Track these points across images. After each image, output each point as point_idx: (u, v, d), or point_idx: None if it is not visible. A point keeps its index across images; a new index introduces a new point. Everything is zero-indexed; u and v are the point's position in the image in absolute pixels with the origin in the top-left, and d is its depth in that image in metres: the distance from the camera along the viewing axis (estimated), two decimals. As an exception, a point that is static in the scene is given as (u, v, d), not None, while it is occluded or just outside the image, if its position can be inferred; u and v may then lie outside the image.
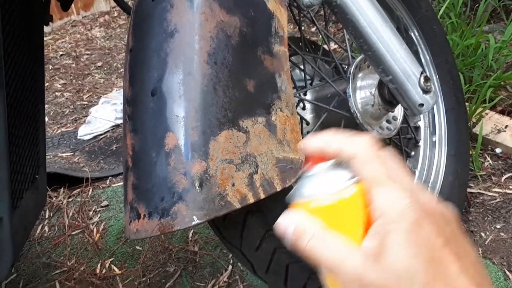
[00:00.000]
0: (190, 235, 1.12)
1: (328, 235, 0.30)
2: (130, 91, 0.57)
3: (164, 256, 1.07)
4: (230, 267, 1.01)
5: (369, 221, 0.29)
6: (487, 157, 1.16)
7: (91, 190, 1.35)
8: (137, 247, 1.11)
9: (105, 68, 2.44)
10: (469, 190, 1.07)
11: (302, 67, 0.88)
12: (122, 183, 1.39)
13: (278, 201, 0.60)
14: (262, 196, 0.53)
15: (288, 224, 0.32)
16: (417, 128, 1.02)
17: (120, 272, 1.05)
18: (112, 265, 1.07)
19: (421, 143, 1.00)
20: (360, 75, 0.82)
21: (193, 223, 0.50)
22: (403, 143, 0.97)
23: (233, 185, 0.52)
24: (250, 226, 0.59)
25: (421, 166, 0.99)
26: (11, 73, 0.66)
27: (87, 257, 1.11)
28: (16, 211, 0.70)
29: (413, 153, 1.00)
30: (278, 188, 0.55)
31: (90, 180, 1.37)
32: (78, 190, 1.36)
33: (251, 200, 0.52)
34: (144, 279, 1.02)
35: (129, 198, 0.55)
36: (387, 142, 0.95)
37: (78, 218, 1.24)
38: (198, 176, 0.51)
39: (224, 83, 0.54)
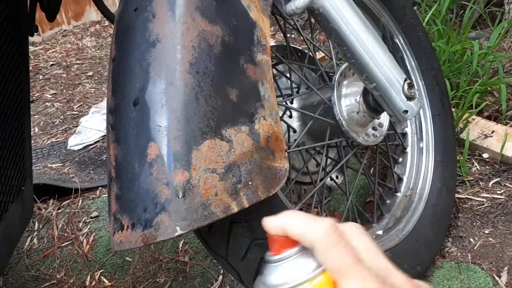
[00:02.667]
0: (180, 245, 1.11)
1: None
2: (112, 101, 0.57)
3: (154, 266, 1.06)
4: (221, 277, 1.00)
5: None
6: (474, 162, 1.17)
7: (81, 201, 1.34)
8: (127, 258, 1.10)
9: (96, 78, 2.43)
10: (457, 195, 1.08)
11: (288, 75, 0.88)
12: (112, 193, 1.39)
13: (263, 210, 0.60)
14: (246, 205, 0.53)
15: None
16: (404, 135, 1.02)
17: (110, 283, 1.04)
18: (102, 277, 1.06)
19: (408, 150, 1.01)
20: (345, 82, 0.82)
21: (176, 233, 0.50)
22: (391, 149, 0.98)
23: (216, 194, 0.52)
24: (236, 235, 0.59)
25: (408, 173, 0.99)
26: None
27: (77, 269, 1.10)
28: (0, 223, 0.69)
29: (400, 159, 1.01)
30: (262, 197, 0.55)
31: (80, 190, 1.36)
32: (67, 201, 1.35)
33: (235, 209, 0.52)
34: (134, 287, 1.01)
35: (113, 209, 0.55)
36: (374, 149, 0.96)
37: (67, 230, 1.23)
38: (181, 186, 0.51)
39: (206, 92, 0.54)
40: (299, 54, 0.95)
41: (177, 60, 0.54)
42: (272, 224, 0.31)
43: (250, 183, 0.54)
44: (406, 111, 0.74)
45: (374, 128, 0.84)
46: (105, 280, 1.06)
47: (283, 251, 0.31)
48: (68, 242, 1.19)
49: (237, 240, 0.59)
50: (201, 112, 0.53)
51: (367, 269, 0.27)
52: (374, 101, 0.77)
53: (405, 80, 0.74)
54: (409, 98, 0.74)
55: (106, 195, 1.36)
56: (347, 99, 0.80)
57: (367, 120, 0.81)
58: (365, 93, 0.78)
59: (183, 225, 0.50)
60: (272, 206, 0.61)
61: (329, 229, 0.29)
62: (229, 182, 0.52)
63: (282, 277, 0.30)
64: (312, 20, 1.00)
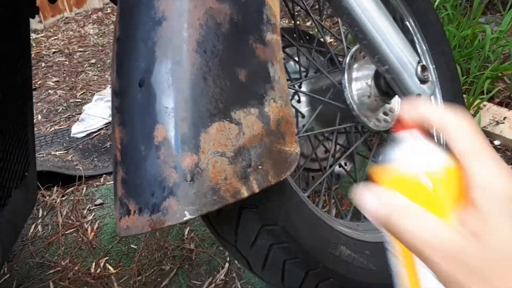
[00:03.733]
0: (186, 232, 1.10)
1: (420, 210, 0.28)
2: (117, 82, 0.55)
3: (159, 254, 1.05)
4: (227, 264, 0.99)
5: (462, 195, 0.28)
6: (485, 148, 1.15)
7: (85, 188, 1.33)
8: (132, 246, 1.09)
9: (99, 65, 2.41)
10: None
11: (296, 58, 0.86)
12: (116, 180, 1.38)
13: (272, 196, 0.59)
14: (256, 190, 0.51)
15: (372, 197, 0.30)
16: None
17: (115, 271, 1.03)
18: (107, 264, 1.05)
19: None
20: (355, 66, 0.80)
21: (185, 218, 0.48)
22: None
23: (225, 178, 0.50)
24: (245, 221, 0.57)
25: (419, 159, 0.97)
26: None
27: (82, 256, 1.09)
28: (4, 209, 0.68)
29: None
30: (273, 182, 0.53)
31: (84, 178, 1.35)
32: (71, 188, 1.34)
33: (245, 194, 0.50)
34: (140, 278, 1.00)
35: (119, 194, 0.53)
36: (384, 134, 0.93)
37: (72, 217, 1.22)
38: (189, 170, 0.49)
39: (214, 72, 0.52)
40: (307, 37, 0.93)
41: (184, 38, 0.52)
42: (410, 108, 0.32)
43: (260, 167, 0.52)
44: (419, 95, 0.72)
45: (385, 113, 0.82)
46: (110, 267, 1.05)
47: (410, 132, 0.31)
48: (73, 230, 1.18)
49: (246, 226, 0.58)
50: (209, 93, 0.51)
51: (494, 157, 0.27)
52: (386, 84, 0.75)
53: (419, 63, 0.71)
54: (423, 81, 0.71)
55: (111, 182, 1.35)
56: (358, 83, 0.78)
57: (378, 104, 0.78)
58: (377, 76, 0.76)
59: (192, 210, 0.48)
60: (282, 191, 0.60)
61: (463, 115, 0.30)
62: (238, 166, 0.51)
63: (407, 155, 0.30)
64: (321, 3, 0.97)
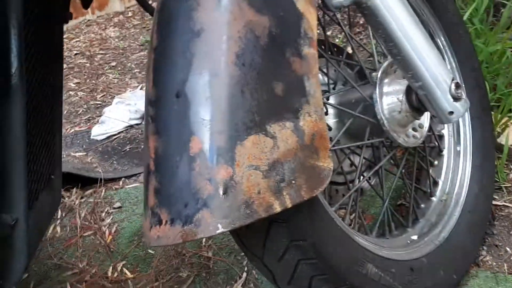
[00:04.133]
0: (204, 240, 1.10)
1: None
2: (153, 92, 0.55)
3: (177, 261, 1.04)
4: (245, 274, 0.98)
5: None
6: (512, 168, 1.12)
7: (104, 191, 1.34)
8: (150, 251, 1.09)
9: (119, 68, 2.43)
10: (493, 202, 1.03)
11: (325, 70, 0.85)
12: (135, 184, 1.38)
13: (302, 210, 0.58)
14: (289, 205, 0.50)
15: None
16: (441, 137, 0.98)
17: (132, 276, 1.03)
18: (124, 269, 1.05)
19: (445, 152, 0.97)
20: (386, 80, 0.79)
21: (218, 231, 0.48)
22: (427, 151, 0.94)
23: (259, 192, 0.49)
24: (274, 235, 0.57)
25: (444, 177, 0.95)
26: (31, 71, 0.64)
27: (99, 259, 1.09)
28: (31, 212, 0.68)
29: (436, 162, 0.97)
30: (306, 197, 0.52)
31: (103, 181, 1.36)
32: (90, 190, 1.35)
33: (278, 209, 0.49)
34: (157, 284, 0.99)
35: (150, 203, 0.53)
36: (411, 150, 0.92)
37: (90, 220, 1.23)
38: (224, 183, 0.49)
39: (252, 85, 0.52)
40: (335, 49, 0.92)
41: (223, 51, 0.52)
42: None
43: (293, 182, 0.52)
44: (451, 112, 0.71)
45: (414, 129, 0.81)
46: (127, 272, 1.05)
47: None
48: (91, 232, 1.19)
49: (275, 240, 0.57)
50: (246, 106, 0.51)
51: None
52: (418, 100, 0.74)
53: (453, 80, 0.70)
54: (456, 99, 0.70)
55: (129, 186, 1.36)
56: (389, 98, 0.77)
57: (409, 120, 0.77)
58: (409, 91, 0.75)
59: (225, 223, 0.48)
60: (312, 206, 0.59)
61: None
62: (272, 180, 0.50)
63: None
64: (352, 14, 0.96)
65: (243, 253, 1.00)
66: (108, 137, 1.67)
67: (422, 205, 0.91)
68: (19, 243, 0.61)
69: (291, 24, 0.56)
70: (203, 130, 0.50)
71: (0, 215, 0.60)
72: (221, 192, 0.48)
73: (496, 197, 1.06)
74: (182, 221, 0.49)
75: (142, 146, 1.64)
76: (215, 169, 0.49)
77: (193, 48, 0.52)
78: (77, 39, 2.88)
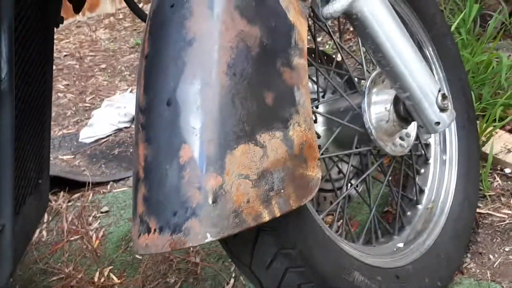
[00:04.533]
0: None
1: None
2: (144, 99, 0.56)
3: (164, 266, 1.04)
4: (232, 280, 0.98)
5: None
6: (496, 177, 1.14)
7: (91, 195, 1.33)
8: (137, 256, 1.08)
9: (109, 71, 2.42)
10: (477, 210, 1.05)
11: (314, 79, 0.86)
12: (123, 189, 1.37)
13: (290, 219, 0.59)
14: (278, 214, 0.51)
15: None
16: (428, 145, 1.00)
17: (119, 281, 1.02)
18: (111, 274, 1.05)
19: (431, 161, 0.98)
20: (375, 89, 0.80)
21: (206, 240, 0.48)
22: (413, 160, 0.96)
23: (248, 201, 0.50)
24: (262, 244, 0.57)
25: (430, 184, 0.97)
26: (21, 75, 0.64)
27: (86, 264, 1.09)
28: (18, 217, 0.67)
29: (422, 170, 0.98)
30: (294, 206, 0.53)
31: (91, 184, 1.35)
32: (78, 194, 1.34)
33: (266, 218, 0.50)
34: (144, 286, 0.99)
35: (139, 211, 0.53)
36: (398, 158, 0.93)
37: (77, 224, 1.22)
38: (213, 191, 0.49)
39: (242, 95, 0.52)
40: (325, 57, 0.93)
41: (214, 60, 0.52)
42: None
43: (282, 191, 0.52)
44: (438, 123, 0.72)
45: (401, 138, 0.82)
46: (114, 277, 1.04)
47: None
48: (78, 236, 1.18)
49: (263, 249, 0.57)
50: (236, 115, 0.52)
51: None
52: (406, 110, 0.75)
53: (439, 91, 0.72)
54: (442, 109, 0.72)
55: (117, 190, 1.35)
56: (377, 107, 0.78)
57: (396, 129, 0.79)
58: (396, 101, 0.76)
59: (214, 232, 0.48)
60: (300, 215, 0.59)
61: None
62: (261, 189, 0.51)
63: None
64: (342, 24, 0.98)
65: (231, 259, 1.01)
66: (96, 140, 1.66)
67: (408, 213, 0.92)
68: (5, 249, 0.61)
69: (282, 34, 0.57)
70: (193, 139, 0.50)
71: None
72: (210, 201, 0.49)
73: (481, 205, 1.08)
74: (171, 229, 0.49)
75: (131, 150, 1.63)
76: (204, 177, 0.49)
77: (185, 57, 0.53)
78: (67, 40, 2.85)
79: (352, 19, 0.67)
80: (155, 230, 0.50)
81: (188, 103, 0.51)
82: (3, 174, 0.60)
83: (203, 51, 0.52)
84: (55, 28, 0.77)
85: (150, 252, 0.50)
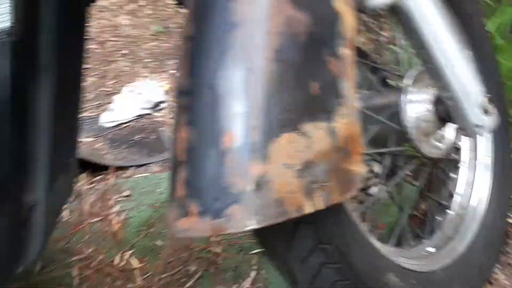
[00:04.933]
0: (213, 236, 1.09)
1: None
2: (187, 81, 0.55)
3: (185, 254, 1.04)
4: (254, 273, 0.98)
5: None
6: (526, 185, 1.11)
7: (113, 178, 1.33)
8: (158, 243, 1.08)
9: (130, 57, 2.42)
10: (508, 219, 1.03)
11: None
12: (145, 174, 1.37)
13: (332, 214, 0.57)
14: (321, 207, 0.50)
15: None
16: (460, 150, 0.98)
17: (139, 265, 1.02)
18: (131, 258, 1.05)
19: (463, 166, 0.96)
20: (414, 87, 0.78)
21: (247, 228, 0.47)
22: (445, 164, 0.93)
23: (291, 192, 0.49)
24: (300, 237, 0.56)
25: (461, 190, 0.95)
26: (60, 54, 0.63)
27: (106, 247, 1.09)
28: (50, 194, 0.67)
29: (454, 175, 0.96)
30: (337, 200, 0.52)
31: (112, 168, 1.35)
32: (99, 177, 1.34)
33: (309, 210, 0.49)
34: (165, 276, 0.99)
35: (178, 194, 0.52)
36: (431, 161, 0.91)
37: (98, 206, 1.22)
38: (256, 179, 0.48)
39: (289, 83, 0.51)
40: (362, 52, 0.91)
41: (261, 45, 0.51)
42: None
43: (325, 184, 0.51)
44: (480, 126, 0.70)
45: (437, 140, 0.80)
46: (134, 261, 1.04)
47: None
48: (98, 219, 1.18)
49: (300, 242, 0.56)
50: (281, 103, 0.50)
51: None
52: (446, 111, 0.73)
53: (484, 94, 0.69)
54: (485, 112, 0.70)
55: (138, 175, 1.35)
56: (416, 105, 0.76)
57: (433, 130, 0.77)
58: (437, 101, 0.74)
59: (255, 220, 0.47)
60: (340, 210, 0.58)
61: None
62: (305, 180, 0.50)
63: None
64: (382, 17, 0.96)
65: (252, 252, 1.00)
66: (117, 125, 1.66)
67: (439, 218, 0.90)
68: (38, 224, 0.61)
69: (328, 22, 0.56)
70: (237, 125, 0.49)
71: (22, 194, 0.59)
72: (253, 189, 0.48)
73: (510, 214, 1.05)
74: (212, 214, 0.48)
75: (153, 137, 1.63)
76: (248, 164, 0.48)
77: (230, 40, 0.51)
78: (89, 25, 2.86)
79: (397, 13, 0.65)
80: (195, 214, 0.49)
81: (232, 88, 0.50)
82: (41, 149, 0.60)
83: (249, 35, 0.51)
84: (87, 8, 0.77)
85: (189, 235, 0.50)
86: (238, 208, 0.47)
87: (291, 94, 0.51)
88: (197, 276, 0.98)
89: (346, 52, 0.56)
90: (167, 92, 1.87)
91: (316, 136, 0.51)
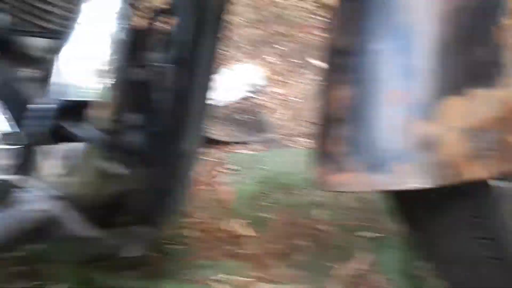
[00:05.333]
0: (316, 213, 1.09)
1: None
2: (344, 41, 0.55)
3: (292, 229, 1.05)
4: (364, 254, 0.96)
5: None
6: None
7: (219, 152, 1.38)
8: (265, 214, 1.11)
9: (227, 41, 2.49)
10: None
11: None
12: (249, 152, 1.41)
13: (489, 188, 0.54)
14: (491, 174, 0.47)
15: None
16: None
17: (247, 233, 1.06)
18: (239, 226, 1.08)
19: None
20: None
21: (411, 186, 0.46)
22: None
23: (460, 155, 0.47)
24: (456, 208, 0.54)
25: None
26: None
27: (215, 214, 1.14)
28: (192, 149, 0.72)
29: None
30: (503, 171, 0.49)
31: (218, 143, 1.40)
32: (206, 150, 1.40)
33: (481, 175, 0.47)
34: (271, 246, 1.01)
35: (332, 150, 0.52)
36: None
37: (207, 176, 1.28)
38: (423, 139, 0.47)
39: (459, 45, 0.50)
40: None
41: (431, 4, 0.49)
42: None
43: (495, 152, 0.49)
44: None
45: None
46: (242, 229, 1.07)
47: None
48: (207, 188, 1.24)
49: (456, 214, 0.54)
50: (451, 64, 0.49)
51: None
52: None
53: None
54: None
55: (244, 151, 1.39)
56: None
57: None
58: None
59: (421, 180, 0.46)
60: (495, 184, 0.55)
61: None
62: (475, 145, 0.47)
63: None
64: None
65: (357, 233, 0.99)
66: (222, 105, 1.72)
67: None
68: (186, 166, 0.65)
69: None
70: (406, 83, 0.48)
71: (177, 144, 0.64)
72: (419, 148, 0.47)
73: None
74: (373, 170, 0.48)
75: (254, 117, 1.67)
76: (416, 123, 0.47)
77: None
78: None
79: None
80: (353, 169, 0.49)
81: (401, 45, 0.50)
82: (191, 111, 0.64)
83: None
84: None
85: (347, 189, 0.50)
86: (402, 166, 0.47)
87: (461, 58, 0.50)
88: (302, 250, 0.99)
89: (508, 23, 0.54)
90: (266, 77, 1.91)
91: (487, 102, 0.49)
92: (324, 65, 0.58)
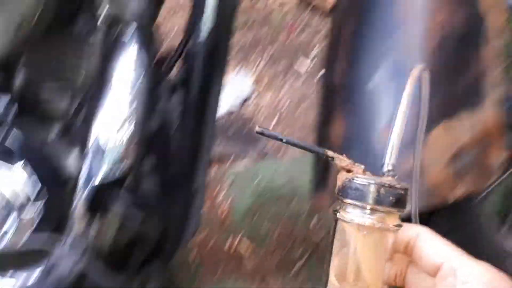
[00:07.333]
0: (313, 222, 1.13)
1: None
2: (345, 75, 0.60)
3: (290, 241, 1.09)
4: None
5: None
6: None
7: (214, 167, 1.41)
8: (263, 228, 1.14)
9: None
10: None
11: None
12: (242, 164, 1.43)
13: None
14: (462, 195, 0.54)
15: None
16: None
17: (246, 249, 1.09)
18: (240, 243, 1.11)
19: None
20: None
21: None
22: None
23: (441, 181, 0.53)
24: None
25: None
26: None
27: (214, 231, 1.16)
28: (203, 183, 0.75)
29: None
30: (476, 190, 0.56)
31: (214, 160, 1.42)
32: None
33: (453, 198, 0.53)
34: (271, 259, 1.05)
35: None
36: None
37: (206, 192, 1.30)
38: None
39: (445, 75, 0.56)
40: None
41: (420, 47, 0.56)
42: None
43: (468, 174, 0.55)
44: None
45: None
46: (243, 246, 1.10)
47: None
48: (206, 205, 1.26)
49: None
50: (438, 96, 0.54)
51: None
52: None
53: None
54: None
55: (237, 165, 1.41)
56: None
57: None
58: None
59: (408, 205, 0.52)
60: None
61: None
62: (455, 168, 0.54)
63: None
64: None
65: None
66: (226, 113, 1.71)
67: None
68: (198, 203, 0.70)
69: (474, 24, 0.59)
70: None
71: (190, 184, 0.68)
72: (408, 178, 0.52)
73: None
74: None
75: (244, 131, 1.69)
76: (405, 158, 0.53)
77: (392, 41, 0.57)
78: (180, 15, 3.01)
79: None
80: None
81: (390, 87, 0.55)
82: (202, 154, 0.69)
83: (411, 35, 0.55)
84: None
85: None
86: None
87: (446, 89, 0.55)
88: (301, 262, 1.03)
89: (489, 49, 0.59)
90: (254, 85, 1.92)
91: (466, 125, 0.55)
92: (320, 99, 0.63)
